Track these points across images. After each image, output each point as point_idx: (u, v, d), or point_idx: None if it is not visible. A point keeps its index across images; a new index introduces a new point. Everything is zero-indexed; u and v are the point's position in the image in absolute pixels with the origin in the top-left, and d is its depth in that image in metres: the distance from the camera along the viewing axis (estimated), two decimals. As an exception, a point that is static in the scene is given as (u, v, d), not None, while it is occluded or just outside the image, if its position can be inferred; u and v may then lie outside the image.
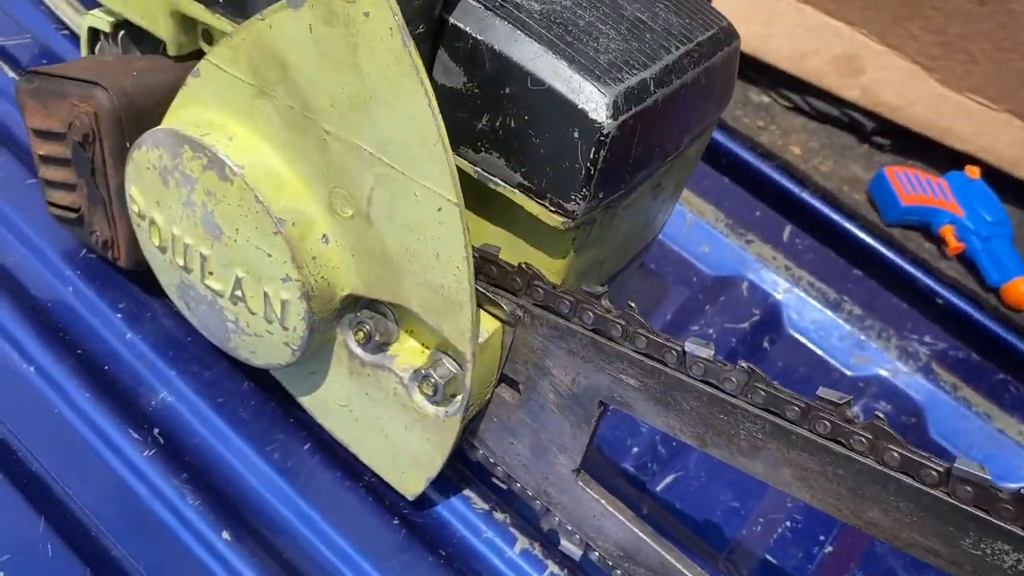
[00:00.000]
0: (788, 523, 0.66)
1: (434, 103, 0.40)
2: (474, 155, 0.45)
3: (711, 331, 0.77)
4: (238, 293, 0.50)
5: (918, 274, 0.87)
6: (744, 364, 0.41)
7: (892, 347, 0.81)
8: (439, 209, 0.42)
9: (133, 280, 0.61)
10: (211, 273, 0.51)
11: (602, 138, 0.42)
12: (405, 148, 0.42)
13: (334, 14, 0.40)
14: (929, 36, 0.91)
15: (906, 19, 0.91)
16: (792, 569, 0.64)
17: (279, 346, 0.51)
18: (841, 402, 0.39)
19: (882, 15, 0.92)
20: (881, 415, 0.38)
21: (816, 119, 0.99)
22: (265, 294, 0.49)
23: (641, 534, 0.49)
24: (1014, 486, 0.35)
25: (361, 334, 0.51)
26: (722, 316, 0.79)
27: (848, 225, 0.89)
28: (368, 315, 0.51)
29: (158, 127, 0.49)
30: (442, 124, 0.40)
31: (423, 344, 0.51)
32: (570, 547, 0.53)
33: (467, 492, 0.58)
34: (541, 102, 0.42)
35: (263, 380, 0.58)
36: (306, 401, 0.57)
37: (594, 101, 0.42)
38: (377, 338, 0.50)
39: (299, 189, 0.47)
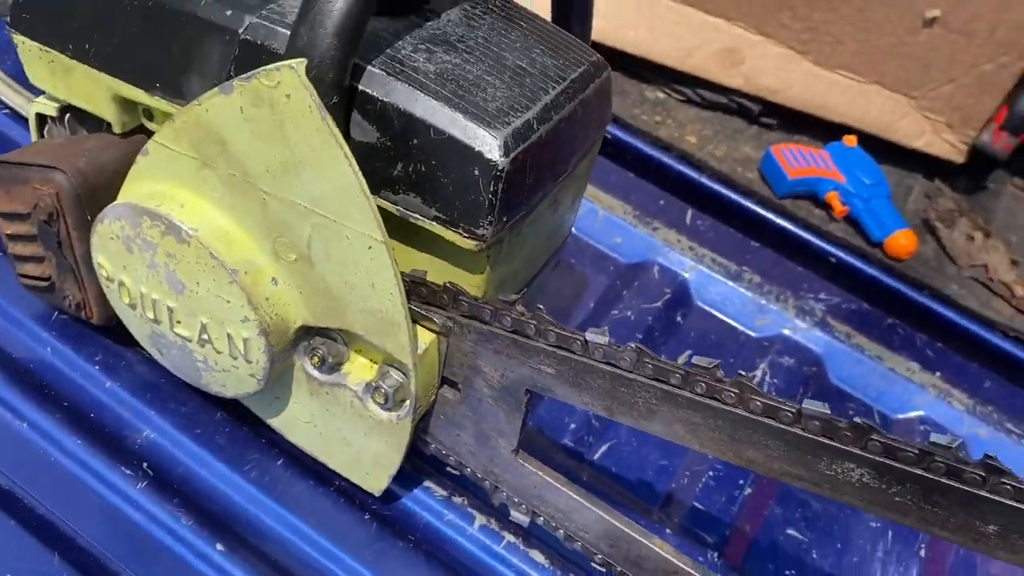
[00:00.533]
0: (711, 472, 0.76)
1: (354, 163, 0.48)
2: (394, 196, 0.53)
3: (629, 313, 0.86)
4: (204, 337, 0.57)
5: (810, 238, 0.97)
6: (634, 345, 0.50)
7: (790, 307, 0.91)
8: (369, 247, 0.50)
9: (106, 334, 0.68)
10: (179, 322, 0.58)
11: (498, 174, 0.50)
12: (334, 201, 0.50)
13: (260, 98, 0.48)
14: (798, 24, 1.02)
15: (776, 10, 1.01)
16: (717, 512, 0.73)
17: (245, 378, 0.59)
18: (711, 366, 0.48)
19: (755, 9, 1.02)
20: (744, 374, 0.47)
21: (707, 108, 1.09)
22: (228, 335, 0.56)
23: (576, 496, 0.58)
24: (855, 421, 0.44)
25: (316, 359, 0.59)
26: (638, 298, 0.88)
27: (743, 202, 0.99)
28: (320, 341, 0.58)
29: (117, 202, 0.56)
30: (362, 178, 0.48)
31: (371, 360, 0.59)
32: (519, 516, 0.62)
33: (426, 483, 0.67)
34: (444, 149, 0.51)
35: (234, 409, 0.65)
36: (274, 422, 0.64)
37: (488, 144, 0.50)
38: (330, 360, 0.58)
39: (247, 242, 0.54)
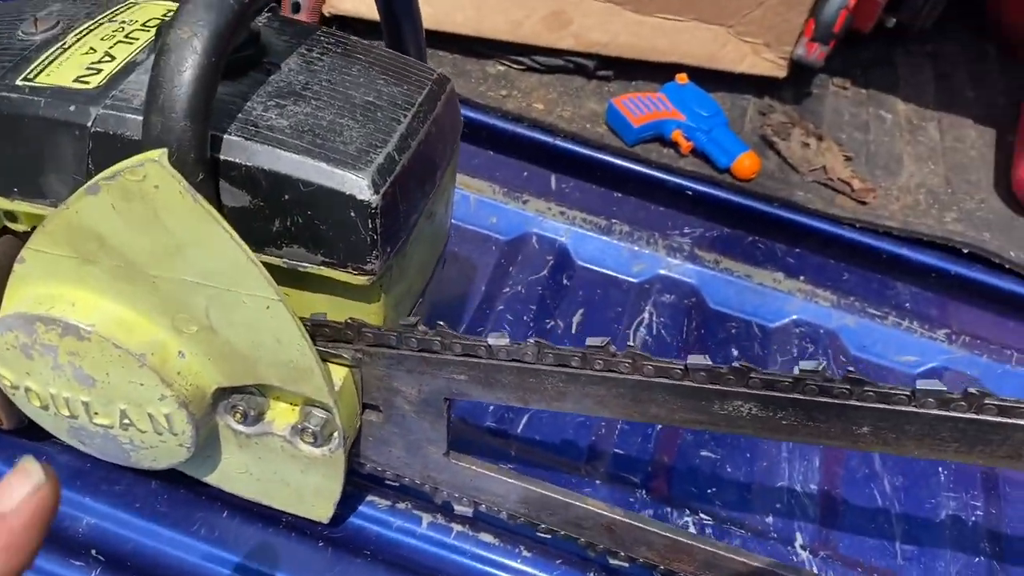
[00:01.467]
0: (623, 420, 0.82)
1: (234, 235, 0.50)
2: (279, 251, 0.56)
3: (520, 288, 0.91)
4: (126, 421, 0.59)
5: (664, 177, 1.04)
6: (532, 340, 0.54)
7: (661, 247, 0.97)
8: (267, 307, 0.53)
9: (19, 435, 0.68)
10: (96, 413, 0.59)
11: (373, 211, 0.53)
12: (223, 272, 0.52)
13: (129, 192, 0.49)
14: (611, -22, 1.07)
15: (588, -31, 1.06)
16: (636, 452, 0.80)
17: (174, 448, 0.61)
18: (604, 344, 0.53)
19: (569, -30, 1.06)
20: (632, 344, 0.53)
21: (547, 72, 1.13)
22: (150, 415, 0.58)
23: (508, 479, 0.63)
24: (734, 366, 0.50)
25: (238, 415, 0.61)
26: (525, 271, 0.93)
27: (599, 156, 1.04)
28: (239, 398, 0.61)
29: (4, 315, 0.57)
30: (245, 247, 0.51)
31: (291, 403, 0.62)
32: (462, 508, 0.66)
33: (368, 498, 0.70)
34: (317, 199, 0.53)
35: (167, 475, 0.67)
36: (211, 479, 0.67)
37: (357, 186, 0.53)
38: (252, 413, 0.61)
39: (146, 325, 0.56)
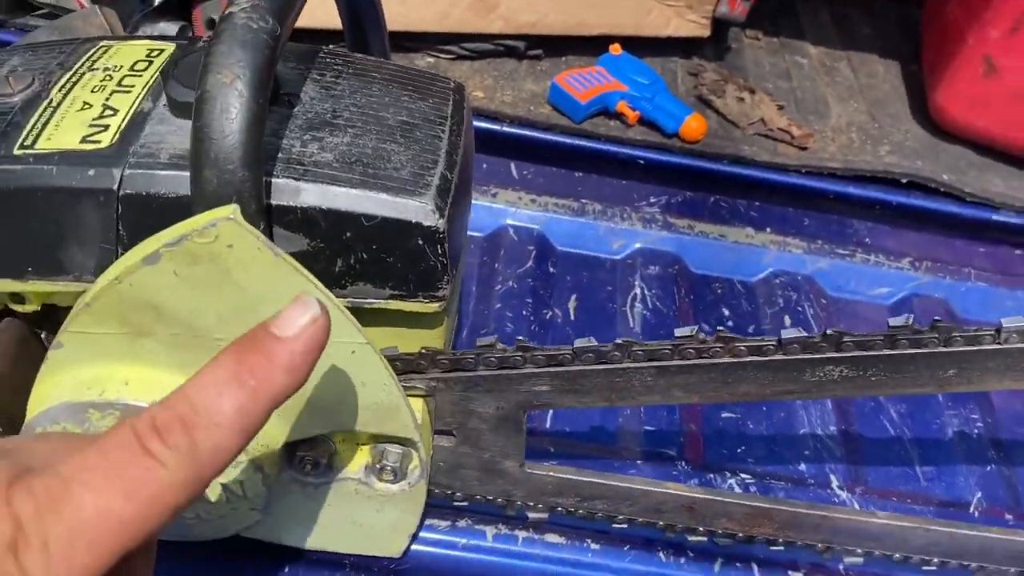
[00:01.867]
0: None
1: (318, 283, 0.47)
2: (343, 291, 0.53)
3: (511, 283, 0.90)
4: (195, 497, 0.55)
5: (618, 150, 1.04)
6: (620, 340, 0.54)
7: (635, 220, 0.98)
8: (352, 352, 0.50)
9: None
10: (160, 494, 0.55)
11: (441, 236, 0.51)
12: (304, 323, 0.49)
13: (196, 256, 0.46)
14: (533, -43, 1.06)
15: (510, -49, 1.05)
16: (665, 425, 0.81)
17: (245, 514, 0.57)
18: (693, 333, 0.53)
19: (489, -47, 1.05)
20: (721, 328, 0.53)
21: (478, 58, 1.11)
22: (222, 484, 0.54)
23: (585, 478, 0.63)
24: (828, 332, 0.52)
25: (308, 466, 0.58)
26: (510, 266, 0.92)
27: (551, 137, 1.04)
28: (306, 448, 0.57)
29: (46, 408, 0.51)
30: (329, 292, 0.48)
31: (358, 443, 0.59)
32: (537, 515, 0.65)
33: (428, 522, 0.68)
34: (382, 232, 0.51)
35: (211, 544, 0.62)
36: (270, 536, 0.63)
37: (422, 212, 0.51)
38: (323, 462, 0.58)
39: (211, 391, 0.52)
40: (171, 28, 1.02)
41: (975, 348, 0.52)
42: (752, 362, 0.53)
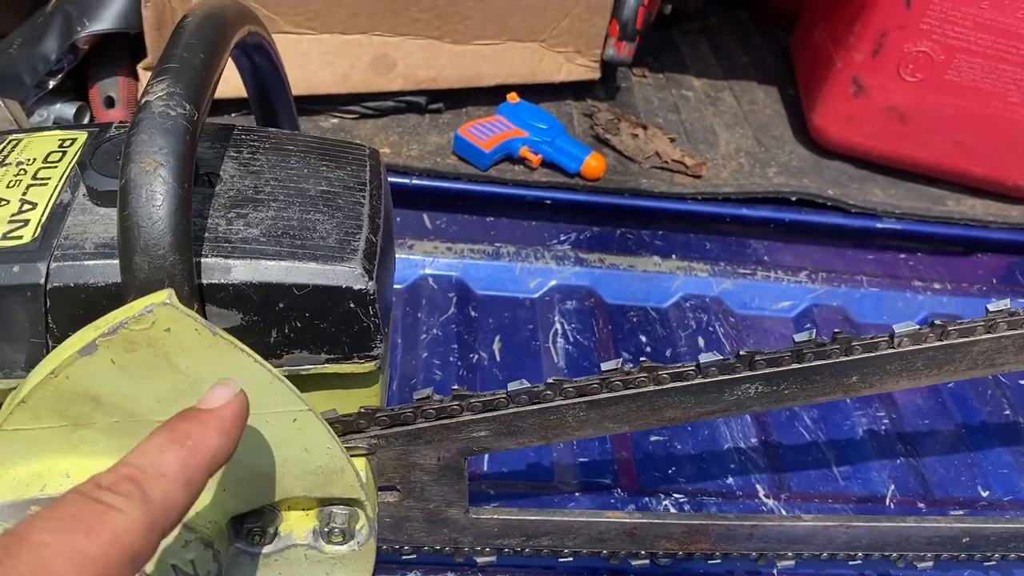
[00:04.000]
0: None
1: (257, 356, 0.48)
2: (279, 360, 0.54)
3: (436, 331, 0.92)
4: (146, 581, 0.55)
5: (525, 193, 1.08)
6: (551, 379, 0.56)
7: (548, 259, 1.02)
8: (294, 420, 0.51)
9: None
10: (109, 583, 0.54)
11: (371, 297, 0.53)
12: (245, 397, 0.50)
13: (134, 343, 0.46)
14: (427, 14, 1.09)
15: (404, 9, 1.07)
16: (597, 455, 0.84)
17: (197, 592, 0.57)
18: (618, 365, 0.56)
19: (386, 16, 1.07)
20: (644, 358, 0.57)
21: (381, 116, 1.14)
22: (173, 566, 0.54)
23: (530, 516, 0.65)
24: (740, 353, 0.55)
25: (255, 537, 0.58)
26: (433, 314, 0.94)
27: (459, 186, 1.07)
28: (253, 519, 0.58)
29: (-13, 509, 0.51)
30: (268, 365, 0.49)
31: (304, 508, 0.60)
32: (485, 559, 0.67)
33: (378, 578, 0.69)
34: (314, 300, 0.52)
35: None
36: (224, 612, 0.63)
37: (351, 277, 0.53)
38: (270, 530, 0.58)
39: (155, 474, 0.52)
40: (68, 109, 1.01)
41: (873, 354, 0.56)
42: (675, 388, 0.57)
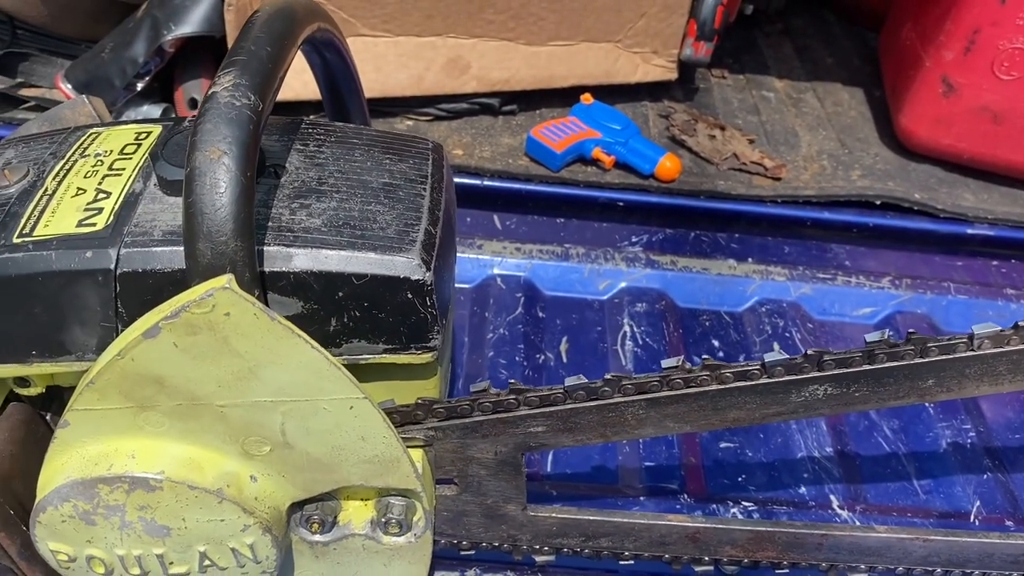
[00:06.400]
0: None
1: (314, 343, 0.49)
2: (337, 349, 0.55)
3: (502, 331, 0.92)
4: (206, 563, 0.56)
5: (598, 194, 1.07)
6: (609, 375, 0.55)
7: (619, 261, 1.00)
8: (351, 408, 0.52)
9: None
10: (172, 563, 0.56)
11: (429, 288, 0.53)
12: (302, 384, 0.50)
13: (195, 326, 0.47)
14: (501, 16, 1.09)
15: (478, 11, 1.08)
16: (664, 460, 0.82)
17: (257, 577, 0.58)
18: (679, 364, 0.55)
19: (460, 18, 1.08)
20: (708, 356, 0.55)
21: (455, 118, 1.15)
22: (232, 549, 0.55)
23: (589, 516, 0.64)
24: (808, 353, 0.53)
25: (314, 525, 0.59)
26: (500, 314, 0.94)
27: (531, 187, 1.07)
28: (312, 507, 0.58)
29: (56, 486, 0.52)
30: (326, 352, 0.49)
31: (362, 499, 0.60)
32: (544, 558, 0.66)
33: (437, 574, 0.69)
34: (372, 290, 0.53)
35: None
36: (284, 600, 0.64)
37: (408, 267, 0.53)
38: (329, 520, 0.59)
39: (216, 458, 0.53)
40: (155, 110, 1.05)
41: (951, 356, 0.53)
42: (739, 387, 0.55)
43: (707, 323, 0.97)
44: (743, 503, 0.79)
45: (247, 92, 0.50)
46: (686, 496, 0.79)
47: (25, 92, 1.09)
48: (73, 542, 0.54)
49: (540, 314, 0.96)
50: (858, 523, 0.78)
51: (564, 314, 0.96)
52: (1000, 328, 0.53)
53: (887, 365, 0.54)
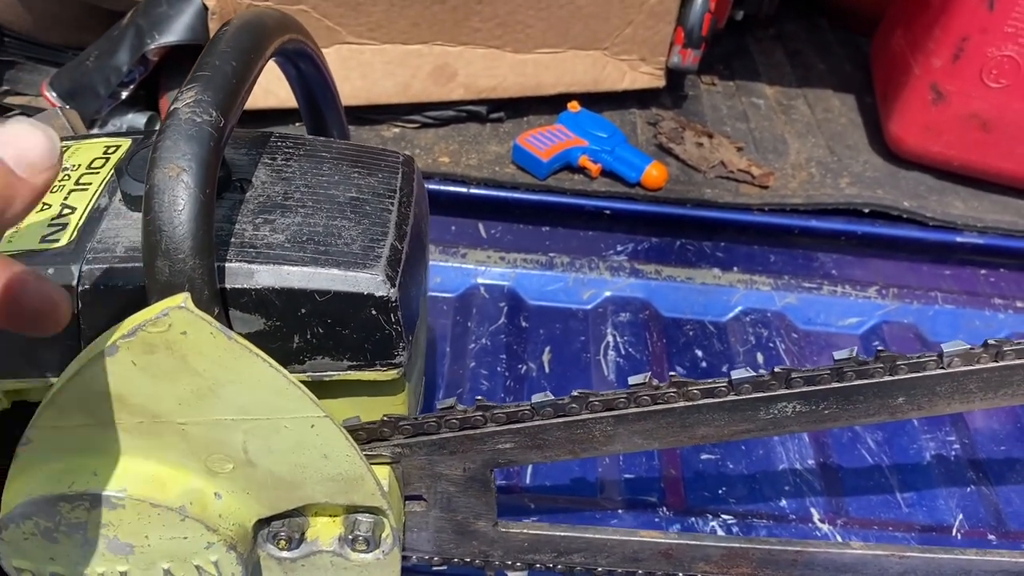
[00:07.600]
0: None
1: (272, 362, 0.48)
2: (301, 366, 0.54)
3: (484, 341, 0.91)
4: (170, 580, 0.55)
5: (584, 202, 1.07)
6: (576, 392, 0.55)
7: (603, 270, 1.00)
8: (312, 426, 0.51)
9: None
10: (136, 581, 0.55)
11: (393, 304, 0.53)
12: (262, 403, 0.50)
13: (152, 345, 0.47)
14: (488, 24, 1.09)
15: (465, 19, 1.08)
16: (644, 472, 0.82)
17: (222, 594, 0.57)
18: (647, 380, 0.54)
19: (446, 25, 1.08)
20: (677, 373, 0.54)
21: (442, 125, 1.14)
22: (197, 567, 0.55)
23: (561, 532, 0.63)
24: (776, 370, 0.53)
25: (281, 542, 0.58)
26: (483, 324, 0.94)
27: (517, 195, 1.06)
28: (278, 524, 0.58)
29: (18, 504, 0.52)
30: (284, 371, 0.49)
31: (330, 515, 0.60)
32: (516, 573, 0.66)
33: (411, 590, 0.69)
34: (335, 306, 0.52)
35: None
36: (254, 615, 0.63)
37: (372, 283, 0.52)
38: (296, 536, 0.59)
39: (179, 475, 0.53)
40: (140, 119, 1.05)
41: (921, 374, 0.53)
42: (707, 404, 0.54)
43: (691, 333, 0.97)
44: (722, 516, 0.79)
45: (208, 108, 0.49)
46: (665, 509, 0.79)
47: (11, 100, 1.09)
48: (36, 559, 0.54)
49: (523, 324, 0.95)
50: (839, 537, 0.78)
51: (548, 324, 0.96)
52: (970, 346, 0.53)
53: (856, 383, 0.53)
